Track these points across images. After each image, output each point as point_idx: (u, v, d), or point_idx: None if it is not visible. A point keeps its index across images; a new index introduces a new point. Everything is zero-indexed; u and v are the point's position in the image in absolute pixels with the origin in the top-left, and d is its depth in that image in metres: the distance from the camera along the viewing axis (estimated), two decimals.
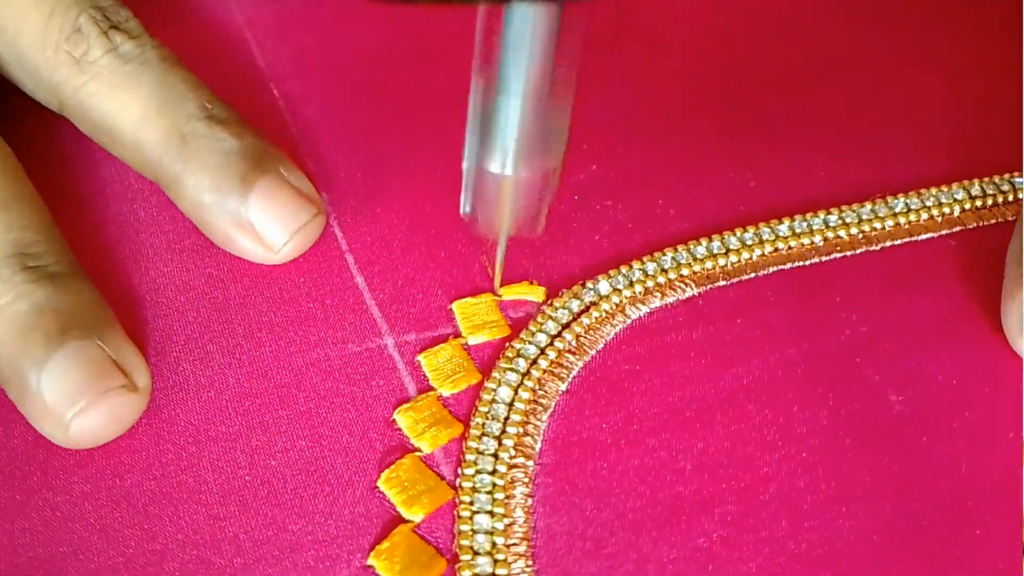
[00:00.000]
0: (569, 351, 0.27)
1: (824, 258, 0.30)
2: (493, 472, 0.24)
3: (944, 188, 0.32)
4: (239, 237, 0.27)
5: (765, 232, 0.30)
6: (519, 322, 0.28)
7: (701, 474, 0.25)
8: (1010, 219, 0.31)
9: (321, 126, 0.32)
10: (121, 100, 0.27)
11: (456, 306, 0.28)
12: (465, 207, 0.25)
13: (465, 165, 0.24)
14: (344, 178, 0.30)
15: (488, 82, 0.22)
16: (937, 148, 0.33)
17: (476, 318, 0.27)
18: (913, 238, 0.31)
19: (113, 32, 0.27)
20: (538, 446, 0.25)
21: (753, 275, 0.29)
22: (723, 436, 0.25)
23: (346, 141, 0.31)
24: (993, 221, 0.31)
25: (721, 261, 0.30)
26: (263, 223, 0.26)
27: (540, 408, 0.26)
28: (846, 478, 0.25)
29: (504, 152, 0.23)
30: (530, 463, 0.25)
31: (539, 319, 0.28)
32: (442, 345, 0.27)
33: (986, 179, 0.32)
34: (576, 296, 0.28)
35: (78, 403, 0.23)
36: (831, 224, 0.31)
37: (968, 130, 0.34)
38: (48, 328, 0.23)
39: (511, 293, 0.28)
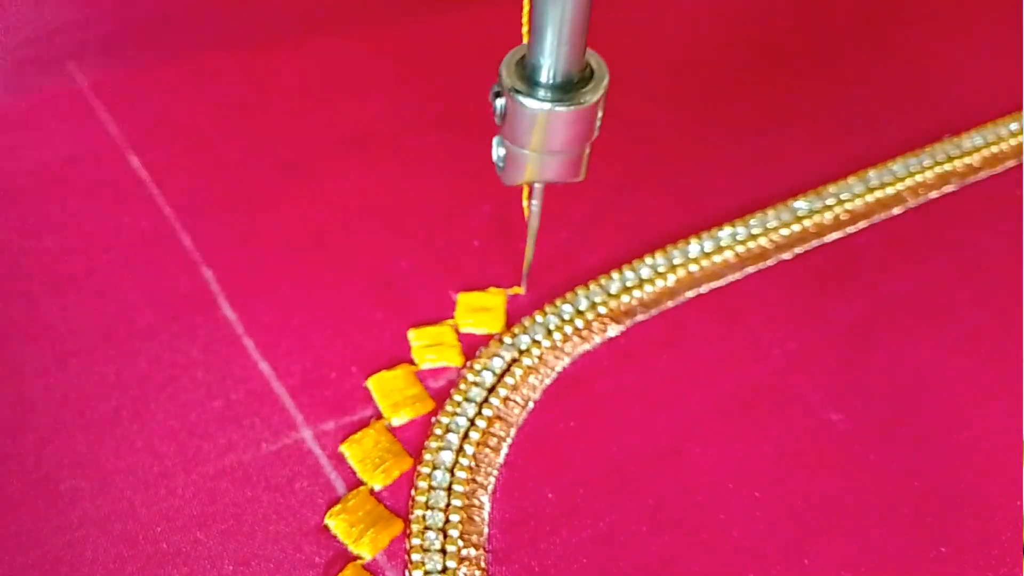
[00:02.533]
0: (499, 417, 0.25)
1: (738, 275, 0.29)
2: (444, 571, 0.23)
3: (842, 182, 0.32)
4: None
5: (675, 256, 0.29)
6: (441, 392, 0.26)
7: (659, 535, 0.23)
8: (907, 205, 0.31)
9: (194, 195, 0.29)
10: None
11: (372, 383, 0.26)
12: (498, 152, 0.24)
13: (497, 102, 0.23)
14: (227, 251, 0.28)
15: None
16: (832, 145, 0.33)
17: (396, 394, 0.26)
18: (821, 240, 0.30)
19: None
20: (485, 531, 0.23)
21: (671, 303, 0.28)
22: (673, 487, 0.24)
23: (224, 209, 0.29)
24: (897, 210, 0.31)
25: (636, 293, 0.28)
26: None
27: (480, 488, 0.24)
28: (803, 515, 0.24)
29: (544, 85, 0.22)
30: (480, 552, 0.23)
31: (462, 386, 0.26)
32: (365, 430, 0.25)
33: (880, 165, 0.32)
34: (496, 354, 0.27)
35: None
36: (739, 237, 0.30)
37: (857, 129, 0.34)
38: None
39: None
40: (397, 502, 0.24)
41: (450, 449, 0.25)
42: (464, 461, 0.24)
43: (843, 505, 0.24)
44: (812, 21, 0.37)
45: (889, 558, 0.23)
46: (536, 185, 0.24)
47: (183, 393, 0.25)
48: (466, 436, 0.25)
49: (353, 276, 0.28)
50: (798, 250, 0.30)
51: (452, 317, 0.27)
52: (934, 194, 0.32)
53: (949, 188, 0.32)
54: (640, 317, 0.28)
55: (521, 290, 0.27)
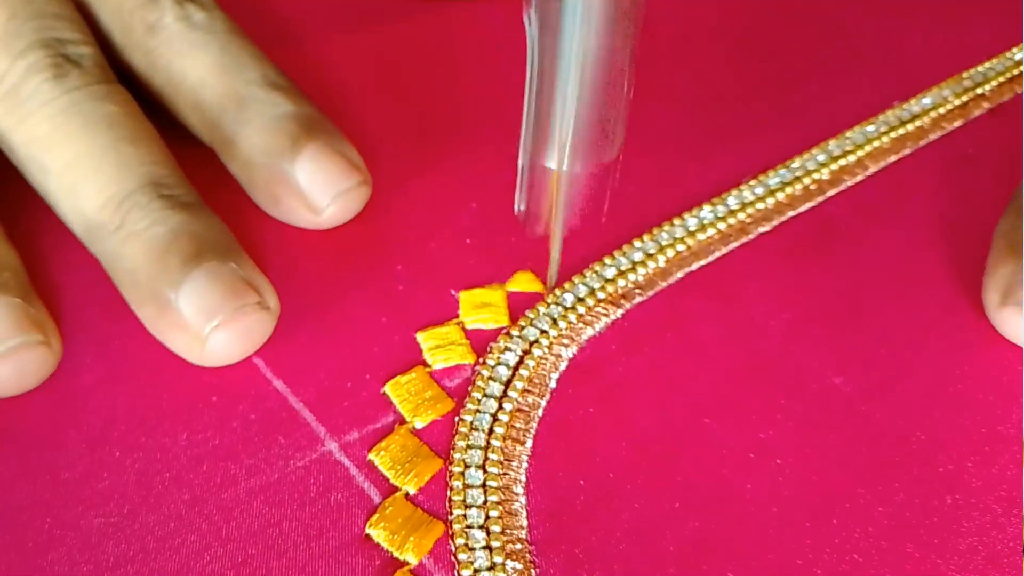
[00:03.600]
0: (519, 410, 0.26)
1: (724, 249, 0.30)
2: (492, 567, 0.23)
3: (807, 154, 0.33)
4: (284, 197, 0.28)
5: (663, 237, 0.30)
6: (458, 390, 0.26)
7: (693, 511, 0.24)
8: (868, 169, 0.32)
9: None
10: (186, 64, 0.28)
11: (390, 389, 0.26)
12: (520, 205, 0.25)
13: (520, 162, 0.24)
14: None
15: (543, 74, 0.22)
16: (793, 120, 0.34)
17: (415, 397, 0.26)
18: (796, 211, 0.31)
19: (185, 2, 0.29)
20: (525, 523, 0.24)
21: (664, 284, 0.29)
22: (697, 464, 0.25)
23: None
24: (861, 176, 0.32)
25: (631, 276, 0.29)
26: (308, 185, 0.27)
27: (514, 482, 0.24)
28: (824, 477, 0.25)
29: (561, 147, 0.23)
30: (524, 545, 0.23)
31: (479, 383, 0.26)
32: (390, 436, 0.25)
33: (839, 136, 0.33)
34: (507, 347, 0.27)
35: (215, 318, 0.24)
36: (719, 214, 0.31)
37: (815, 103, 0.35)
38: (185, 250, 0.24)
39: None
40: (434, 504, 0.24)
41: (478, 447, 0.25)
42: (494, 456, 0.25)
43: (859, 464, 0.25)
44: (758, 8, 0.38)
45: (907, 508, 0.24)
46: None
47: (200, 419, 0.25)
48: (491, 431, 0.25)
49: (352, 284, 0.28)
50: (776, 222, 0.31)
51: (457, 316, 0.27)
52: (893, 158, 0.33)
53: (907, 151, 0.33)
54: (638, 299, 0.28)
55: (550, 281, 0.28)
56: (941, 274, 0.30)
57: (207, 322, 0.24)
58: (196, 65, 0.28)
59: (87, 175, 0.25)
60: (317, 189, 0.27)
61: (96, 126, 0.26)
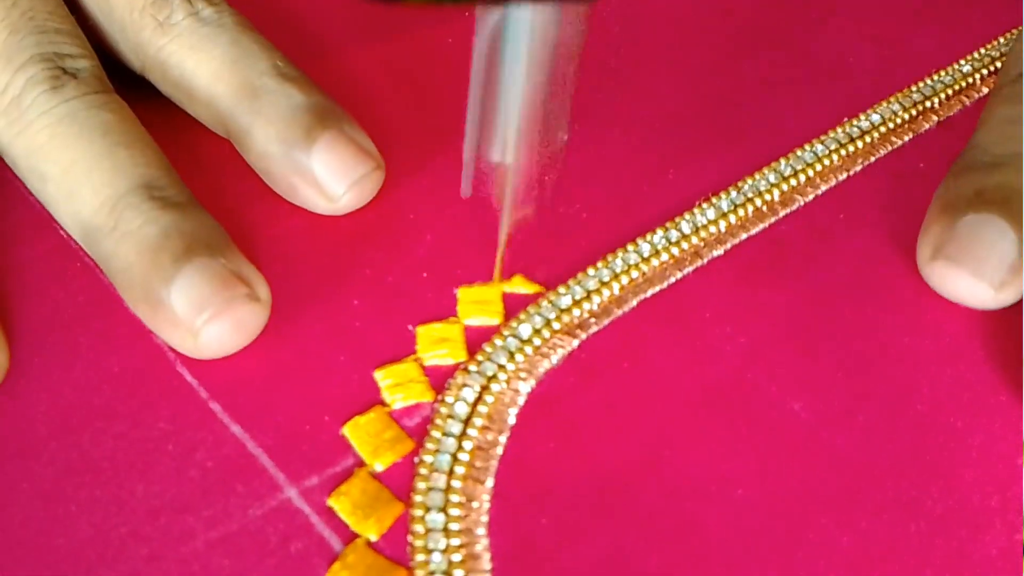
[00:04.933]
0: (479, 448, 0.26)
1: (679, 274, 0.30)
2: None
3: (758, 174, 0.33)
4: (301, 187, 0.29)
5: (617, 264, 0.30)
6: (417, 429, 0.26)
7: (657, 547, 0.24)
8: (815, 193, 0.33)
9: None
10: (198, 59, 0.29)
11: (348, 431, 0.26)
12: (466, 190, 0.26)
13: (466, 155, 0.25)
14: None
15: (488, 71, 0.23)
16: (749, 140, 0.34)
17: (374, 439, 0.25)
18: (749, 233, 0.31)
19: None
20: (488, 566, 0.24)
21: (620, 311, 0.29)
22: (659, 498, 0.25)
23: None
24: (812, 195, 0.32)
25: (586, 305, 0.29)
26: (324, 174, 0.28)
27: (475, 524, 0.24)
28: (788, 508, 0.25)
29: (504, 141, 0.24)
30: None
31: (438, 421, 0.26)
32: (350, 480, 0.25)
33: (789, 155, 0.33)
34: (464, 384, 0.27)
35: (206, 311, 0.25)
36: (672, 239, 0.31)
37: (764, 122, 0.35)
38: (176, 248, 0.25)
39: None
40: (396, 550, 0.24)
41: (439, 489, 0.25)
42: (455, 498, 0.24)
43: (822, 494, 0.25)
44: (705, 30, 0.38)
45: (872, 538, 0.25)
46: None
47: (156, 469, 0.24)
48: (452, 472, 0.25)
49: (305, 323, 0.28)
50: (729, 245, 0.31)
51: (415, 351, 0.27)
52: (844, 176, 0.33)
53: (857, 168, 0.33)
54: (594, 328, 0.28)
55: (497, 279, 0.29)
56: (896, 291, 0.30)
57: (198, 315, 0.25)
58: (208, 59, 0.29)
59: (83, 180, 0.26)
60: (333, 178, 0.28)
61: (92, 133, 0.27)
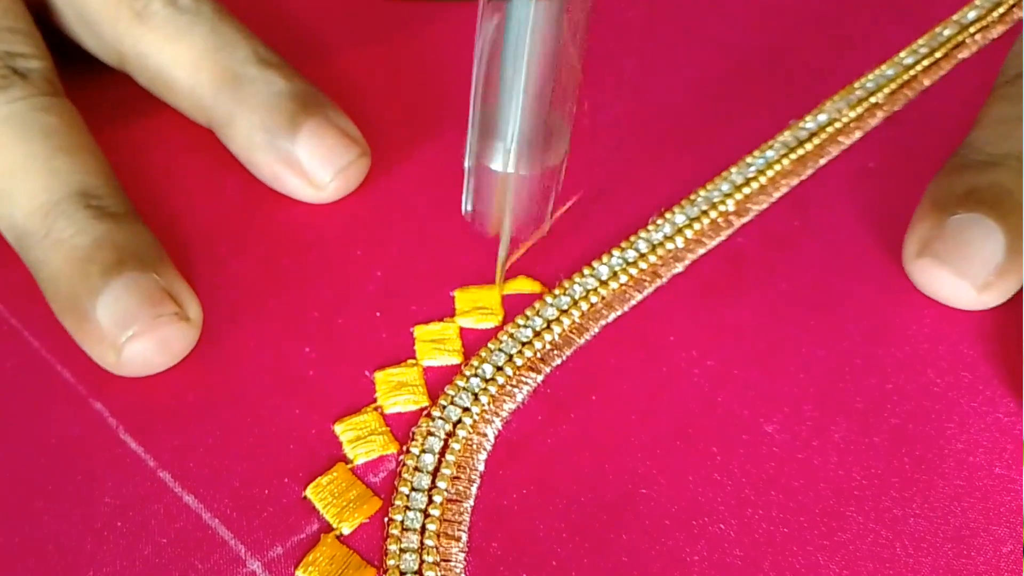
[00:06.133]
0: (450, 501, 0.24)
1: (639, 296, 0.29)
2: None
3: (710, 185, 0.32)
4: (287, 175, 0.28)
5: (575, 289, 0.29)
6: (384, 484, 0.25)
7: None
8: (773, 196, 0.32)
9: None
10: (177, 48, 0.29)
11: (311, 492, 0.24)
12: (467, 206, 0.25)
13: (467, 164, 0.25)
14: (114, 376, 0.25)
15: (488, 79, 0.23)
16: (698, 151, 0.33)
17: (338, 500, 0.24)
18: (706, 247, 0.31)
19: None
20: None
21: (583, 340, 0.28)
22: (640, 538, 0.24)
23: None
24: (766, 203, 0.32)
25: (547, 336, 0.28)
26: (310, 162, 0.28)
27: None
28: (771, 539, 0.24)
29: (506, 150, 0.24)
30: None
31: (405, 475, 0.25)
32: (317, 548, 0.23)
33: (739, 163, 0.33)
34: (429, 432, 0.25)
35: (131, 327, 0.24)
36: (630, 259, 0.30)
37: (712, 131, 0.34)
38: (106, 260, 0.24)
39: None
40: None
41: (412, 550, 0.23)
42: (429, 558, 0.23)
43: (802, 519, 0.25)
44: (641, 41, 0.37)
45: (857, 562, 0.24)
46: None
47: (105, 549, 0.23)
48: (424, 530, 0.24)
49: (256, 376, 0.26)
50: (688, 261, 0.30)
51: (374, 400, 0.26)
52: (796, 180, 0.33)
53: (809, 171, 0.33)
54: (557, 361, 0.27)
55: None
56: (857, 298, 0.29)
57: (122, 331, 0.24)
58: (188, 49, 0.29)
59: (19, 183, 0.26)
60: (319, 165, 0.28)
61: (33, 136, 0.26)
